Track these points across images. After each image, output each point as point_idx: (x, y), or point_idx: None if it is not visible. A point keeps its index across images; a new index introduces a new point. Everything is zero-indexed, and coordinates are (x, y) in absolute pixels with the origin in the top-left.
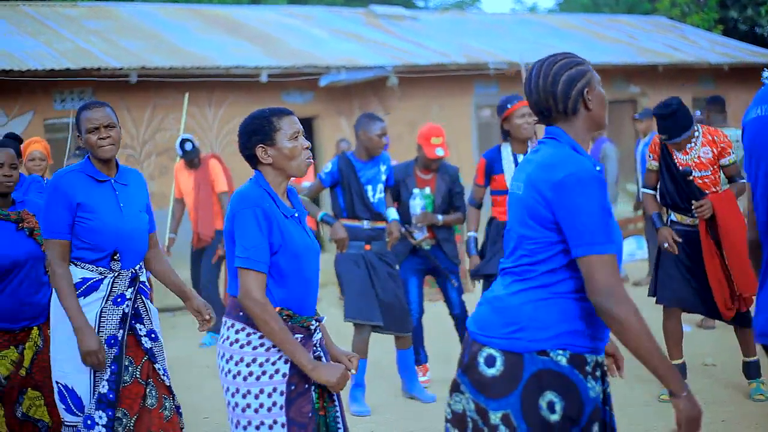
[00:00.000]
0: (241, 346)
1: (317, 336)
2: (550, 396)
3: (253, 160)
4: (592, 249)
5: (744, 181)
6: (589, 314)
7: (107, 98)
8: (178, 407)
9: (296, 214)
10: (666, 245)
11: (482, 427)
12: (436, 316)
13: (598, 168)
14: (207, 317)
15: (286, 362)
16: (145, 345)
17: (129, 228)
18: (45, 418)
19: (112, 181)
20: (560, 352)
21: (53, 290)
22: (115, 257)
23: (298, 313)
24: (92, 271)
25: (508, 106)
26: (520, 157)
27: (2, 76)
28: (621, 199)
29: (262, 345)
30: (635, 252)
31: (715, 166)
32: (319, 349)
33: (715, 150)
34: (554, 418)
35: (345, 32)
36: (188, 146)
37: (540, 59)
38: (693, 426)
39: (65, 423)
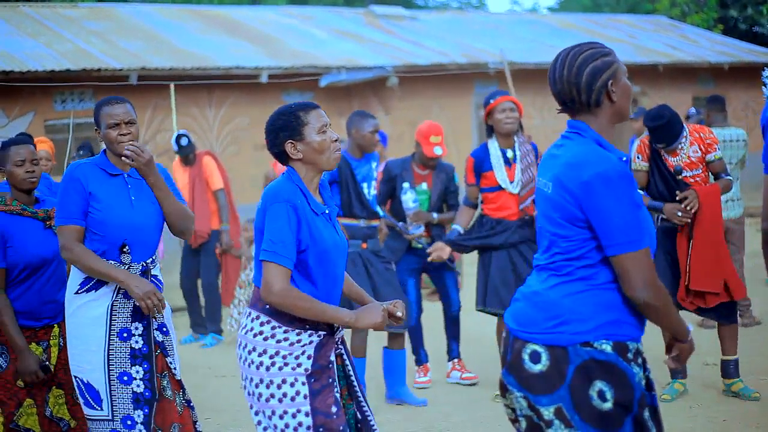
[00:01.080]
0: (265, 339)
1: (340, 333)
2: (599, 385)
3: (282, 157)
4: (625, 247)
5: (729, 177)
6: (628, 303)
7: None
8: (189, 401)
9: (327, 211)
10: (680, 214)
11: (537, 422)
12: (435, 316)
13: (624, 158)
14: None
15: (309, 358)
16: (157, 339)
17: (139, 221)
18: (66, 416)
19: (125, 175)
20: (603, 341)
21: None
22: (125, 249)
23: None
24: None
25: (491, 101)
26: (509, 152)
27: (3, 77)
28: None
29: (286, 339)
30: None
31: (704, 165)
32: (341, 346)
33: (702, 147)
34: (606, 406)
35: (345, 32)
36: (184, 141)
37: (566, 48)
38: (688, 354)
39: (87, 417)
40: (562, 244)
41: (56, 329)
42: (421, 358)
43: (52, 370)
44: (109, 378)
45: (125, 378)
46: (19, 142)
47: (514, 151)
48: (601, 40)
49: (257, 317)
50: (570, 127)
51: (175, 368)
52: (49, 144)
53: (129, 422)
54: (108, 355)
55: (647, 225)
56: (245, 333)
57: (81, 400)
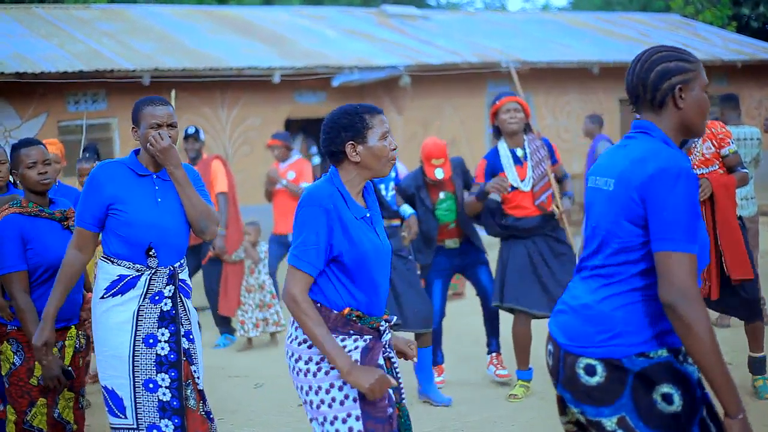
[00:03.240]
0: (309, 346)
1: (386, 337)
2: (664, 388)
3: (335, 157)
4: (672, 245)
5: (746, 170)
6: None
7: (120, 100)
8: (208, 413)
9: (368, 215)
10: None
11: None
12: (452, 317)
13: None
14: None
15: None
16: (183, 346)
17: (165, 222)
18: (71, 419)
19: (154, 176)
20: (659, 350)
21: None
22: (151, 253)
23: (367, 313)
24: (129, 268)
25: (496, 101)
26: (519, 151)
27: (16, 78)
28: None
29: None
30: None
31: (720, 161)
32: (389, 349)
33: (714, 142)
34: (674, 408)
35: (357, 32)
36: (191, 129)
37: (652, 47)
38: None
39: (112, 426)
40: (617, 245)
41: (73, 330)
42: (437, 359)
43: (73, 375)
44: (134, 385)
45: (150, 385)
46: (28, 143)
47: (523, 149)
48: (613, 39)
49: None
50: (635, 127)
51: (198, 377)
52: (58, 146)
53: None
54: (133, 361)
55: (701, 234)
56: (290, 342)
57: (106, 408)
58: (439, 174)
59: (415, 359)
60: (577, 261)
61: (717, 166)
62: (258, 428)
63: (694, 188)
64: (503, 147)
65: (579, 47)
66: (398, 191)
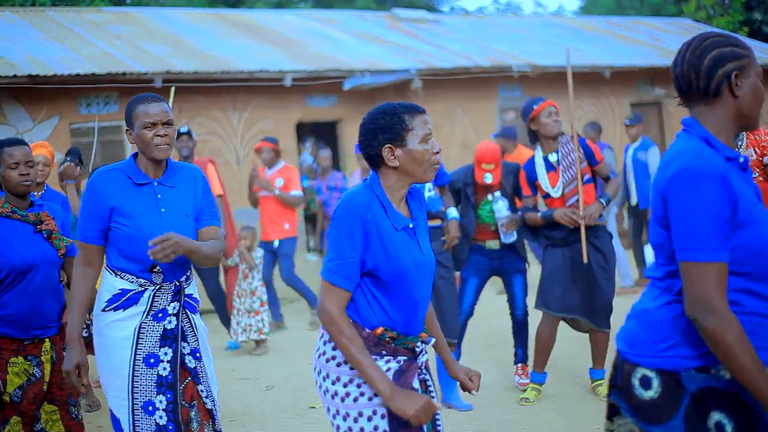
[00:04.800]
0: (338, 364)
1: (423, 358)
2: (717, 416)
3: (373, 161)
4: (690, 254)
5: None
6: (757, 324)
7: None
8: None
9: (411, 225)
10: None
11: None
12: (473, 318)
13: (740, 159)
14: None
15: None
16: (189, 365)
17: None
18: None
19: (155, 183)
20: (722, 367)
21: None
22: (156, 269)
23: (403, 333)
24: (132, 282)
25: (534, 106)
26: (552, 156)
27: (29, 81)
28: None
29: None
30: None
31: (761, 169)
32: (425, 371)
33: (757, 150)
34: None
35: (368, 36)
36: (183, 129)
37: (701, 33)
38: None
39: None
40: (665, 255)
41: (47, 344)
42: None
43: (45, 389)
44: (132, 407)
45: (150, 408)
46: (13, 143)
47: (557, 154)
48: (625, 43)
49: (329, 339)
50: (683, 125)
51: (206, 396)
52: (48, 149)
53: None
54: (132, 381)
55: (726, 237)
56: (318, 356)
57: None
58: (488, 179)
59: (475, 392)
60: (614, 269)
61: (757, 173)
62: (269, 430)
63: (720, 190)
64: (538, 155)
65: (590, 51)
66: (447, 184)
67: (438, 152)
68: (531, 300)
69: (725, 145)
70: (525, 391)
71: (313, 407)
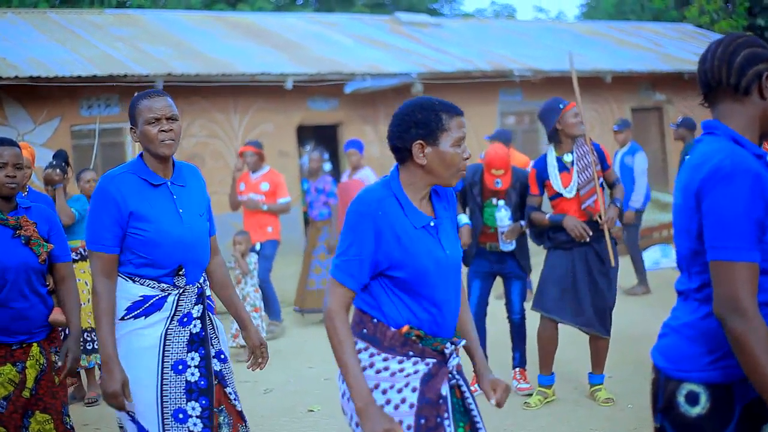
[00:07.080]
0: (363, 369)
1: (454, 361)
2: None
3: (400, 153)
4: (720, 253)
5: None
6: None
7: None
8: None
9: (432, 223)
10: None
11: None
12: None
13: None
14: (260, 360)
15: (413, 391)
16: (215, 368)
17: (191, 237)
18: None
19: (169, 183)
20: None
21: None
22: (180, 272)
23: (431, 334)
24: (154, 287)
25: (561, 106)
26: (566, 157)
27: (30, 82)
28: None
29: (386, 369)
30: (660, 260)
31: None
32: (457, 376)
33: None
34: None
35: (370, 39)
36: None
37: (730, 33)
38: None
39: None
40: (701, 262)
41: (35, 348)
42: None
43: (29, 396)
44: (162, 416)
45: (180, 416)
46: (2, 142)
47: (571, 154)
48: (626, 48)
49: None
50: (703, 128)
51: (234, 399)
52: (29, 150)
53: None
54: (161, 390)
55: (758, 237)
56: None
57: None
58: (498, 184)
59: (497, 405)
60: (617, 277)
61: None
62: None
63: (754, 188)
64: (551, 155)
65: (591, 56)
66: (459, 191)
67: (468, 158)
68: (529, 304)
69: (753, 143)
70: (527, 395)
71: (311, 410)
